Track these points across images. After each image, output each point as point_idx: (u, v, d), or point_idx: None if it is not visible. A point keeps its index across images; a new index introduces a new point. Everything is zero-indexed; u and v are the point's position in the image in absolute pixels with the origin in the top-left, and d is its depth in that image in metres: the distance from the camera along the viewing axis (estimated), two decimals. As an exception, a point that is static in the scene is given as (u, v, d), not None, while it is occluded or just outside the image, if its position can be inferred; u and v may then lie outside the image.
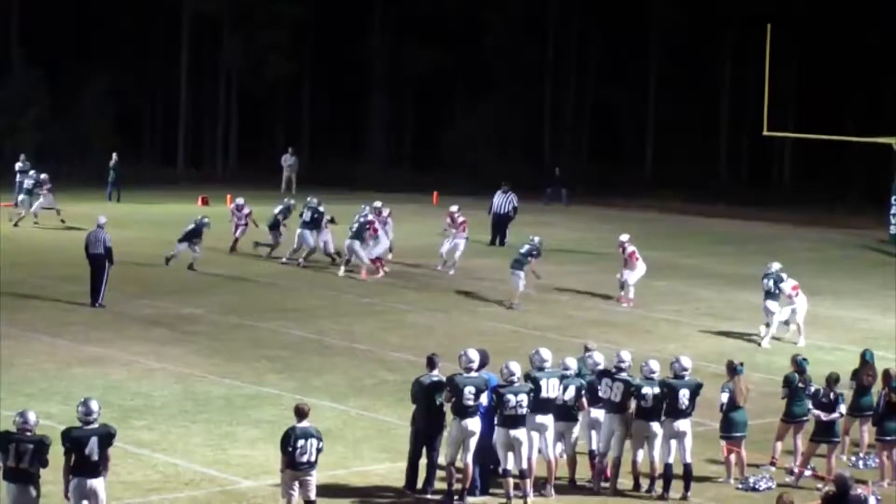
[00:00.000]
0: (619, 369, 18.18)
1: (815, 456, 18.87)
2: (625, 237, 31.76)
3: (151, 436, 19.64)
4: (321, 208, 34.94)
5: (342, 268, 33.75)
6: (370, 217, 33.74)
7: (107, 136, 58.20)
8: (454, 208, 35.04)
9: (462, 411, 17.38)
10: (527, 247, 30.94)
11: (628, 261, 31.41)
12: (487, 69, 64.53)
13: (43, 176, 40.82)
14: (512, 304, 30.42)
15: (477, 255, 36.56)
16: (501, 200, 38.88)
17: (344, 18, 64.09)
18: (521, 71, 65.05)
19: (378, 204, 35.12)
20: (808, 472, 18.86)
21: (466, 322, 28.90)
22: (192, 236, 33.65)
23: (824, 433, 18.77)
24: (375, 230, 33.56)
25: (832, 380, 18.87)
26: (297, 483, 15.91)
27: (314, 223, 34.73)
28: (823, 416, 18.71)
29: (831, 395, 18.78)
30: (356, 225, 33.40)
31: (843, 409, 18.95)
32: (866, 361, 20.26)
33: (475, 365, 17.60)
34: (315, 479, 16.05)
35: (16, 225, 39.90)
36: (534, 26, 64.54)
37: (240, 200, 36.79)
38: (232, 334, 26.84)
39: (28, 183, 41.01)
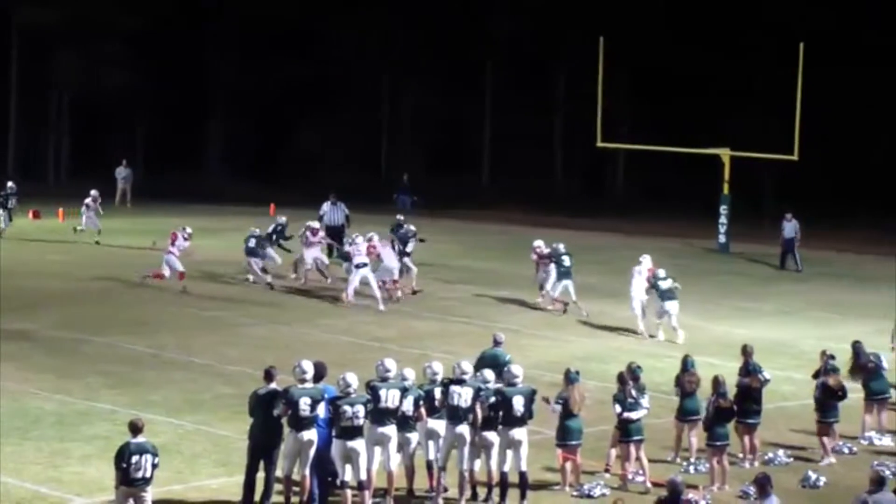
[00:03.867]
0: (461, 381, 18.25)
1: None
2: (538, 242, 32.48)
3: (-21, 454, 19.26)
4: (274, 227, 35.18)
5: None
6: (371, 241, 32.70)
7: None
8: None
9: (298, 423, 17.34)
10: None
11: (539, 265, 32.17)
12: (327, 82, 64.47)
13: None
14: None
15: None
16: (332, 211, 38.74)
17: (182, 30, 63.47)
18: (360, 83, 65.12)
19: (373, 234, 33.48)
20: (640, 478, 19.17)
21: (306, 334, 28.83)
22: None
23: (633, 432, 19.14)
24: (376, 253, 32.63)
25: (626, 380, 19.25)
26: (131, 500, 15.75)
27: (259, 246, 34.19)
28: (632, 416, 19.07)
29: (633, 394, 19.15)
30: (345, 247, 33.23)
31: (645, 403, 19.29)
32: (687, 368, 20.70)
33: (309, 376, 17.59)
34: (150, 495, 15.91)
35: None
36: (373, 39, 64.65)
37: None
38: (66, 349, 26.42)
39: None
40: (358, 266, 31.90)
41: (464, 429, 18.08)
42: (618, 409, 19.23)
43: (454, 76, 64.79)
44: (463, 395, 18.07)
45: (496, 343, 21.69)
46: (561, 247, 32.50)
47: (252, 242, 34.02)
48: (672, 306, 29.51)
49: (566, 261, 32.03)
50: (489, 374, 18.81)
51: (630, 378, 19.56)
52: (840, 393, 20.88)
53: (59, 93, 63.30)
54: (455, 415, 18.06)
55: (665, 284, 29.77)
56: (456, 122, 66.34)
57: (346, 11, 63.84)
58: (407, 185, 53.88)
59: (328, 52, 63.93)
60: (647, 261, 30.80)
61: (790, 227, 41.31)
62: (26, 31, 61.09)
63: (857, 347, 22.48)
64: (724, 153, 45.61)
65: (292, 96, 64.78)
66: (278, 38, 63.33)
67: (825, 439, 20.85)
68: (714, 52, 56.67)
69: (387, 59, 65.51)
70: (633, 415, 19.16)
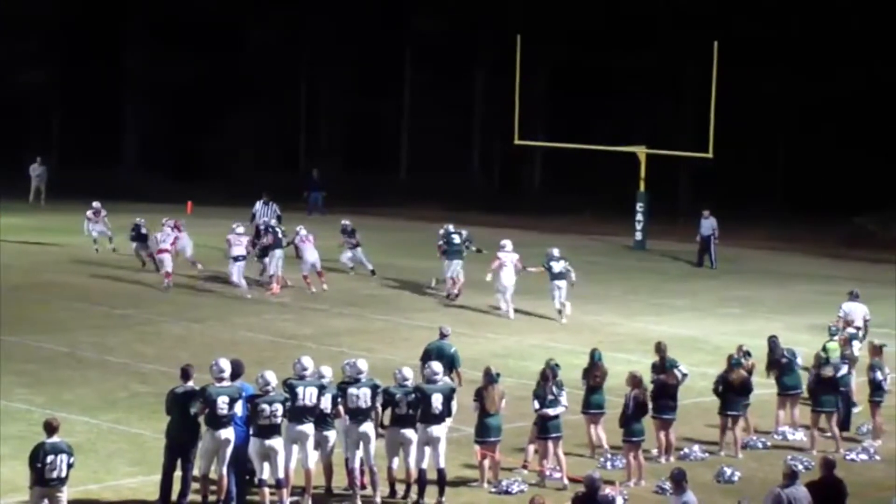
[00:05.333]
0: (357, 380, 18.21)
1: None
2: (505, 242, 32.73)
3: None
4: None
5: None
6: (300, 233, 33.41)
7: None
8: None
9: (215, 421, 17.28)
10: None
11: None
12: (245, 77, 64.14)
13: None
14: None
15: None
16: (264, 211, 38.64)
17: (98, 24, 62.85)
18: (278, 79, 64.84)
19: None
20: (557, 475, 19.28)
21: (222, 332, 28.70)
22: None
23: (551, 429, 19.25)
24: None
25: (548, 376, 19.37)
26: (46, 500, 15.64)
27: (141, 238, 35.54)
28: (550, 412, 19.19)
29: (554, 391, 19.27)
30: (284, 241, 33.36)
31: (564, 401, 19.42)
32: (595, 361, 20.88)
33: (226, 374, 17.54)
34: (66, 494, 15.81)
35: None
36: (290, 34, 64.39)
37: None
38: (-23, 349, 26.10)
39: None
40: (236, 258, 32.48)
41: (367, 427, 18.11)
42: (536, 405, 19.32)
43: (372, 72, 64.65)
44: (361, 396, 18.06)
45: (442, 336, 21.77)
46: (450, 227, 33.62)
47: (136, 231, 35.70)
48: (561, 285, 30.89)
49: (455, 239, 32.98)
50: (437, 366, 18.77)
51: (549, 375, 19.65)
52: (741, 388, 21.14)
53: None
54: (356, 415, 18.06)
55: (557, 266, 31.02)
56: (374, 118, 66.23)
57: (263, 6, 63.51)
58: (316, 180, 53.65)
59: (246, 48, 63.55)
60: (509, 245, 31.85)
61: (707, 225, 41.65)
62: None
63: (772, 342, 22.75)
64: (640, 151, 45.92)
65: (210, 92, 64.30)
66: (195, 33, 62.86)
67: (725, 432, 21.09)
68: (631, 50, 57.00)
69: (304, 55, 65.25)
70: (552, 411, 19.26)
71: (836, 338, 23.42)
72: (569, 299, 31.29)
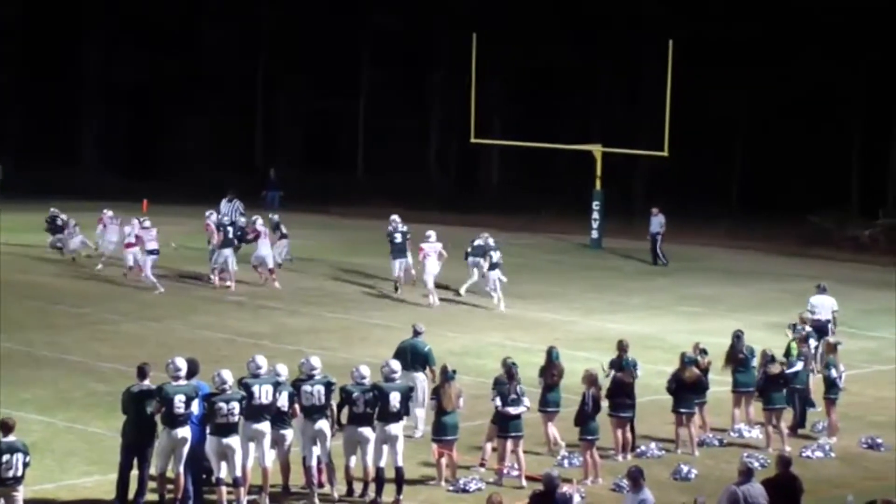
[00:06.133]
0: (311, 377, 18.22)
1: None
2: (430, 233, 33.38)
3: None
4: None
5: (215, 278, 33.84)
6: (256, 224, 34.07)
7: None
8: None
9: (172, 420, 17.24)
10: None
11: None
12: (202, 77, 63.96)
13: None
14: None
15: (195, 263, 36.14)
16: (228, 209, 38.63)
17: (55, 22, 62.50)
18: (234, 79, 64.67)
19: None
20: (515, 473, 19.32)
21: (179, 331, 28.62)
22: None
23: (511, 428, 19.29)
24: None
25: (514, 375, 19.43)
26: (2, 499, 15.54)
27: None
28: (511, 411, 19.24)
29: (517, 389, 19.32)
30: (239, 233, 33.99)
31: (526, 401, 19.49)
32: (552, 360, 20.94)
33: (183, 373, 17.51)
34: (22, 494, 15.73)
35: None
36: (247, 34, 64.26)
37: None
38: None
39: None
40: (150, 252, 33.10)
41: (322, 424, 18.12)
42: (498, 403, 19.32)
43: (329, 71, 64.56)
44: (315, 393, 18.07)
45: (416, 333, 21.75)
46: (396, 222, 34.24)
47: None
48: (496, 275, 32.37)
49: (397, 238, 33.69)
50: (395, 364, 18.76)
51: (514, 374, 19.66)
52: (694, 386, 21.26)
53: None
54: (310, 412, 18.06)
55: (496, 256, 32.62)
56: (331, 117, 66.16)
57: (219, 5, 63.33)
58: (274, 180, 53.63)
59: (202, 47, 63.36)
60: (433, 235, 33.00)
61: (656, 222, 41.85)
62: None
63: (736, 336, 22.86)
64: (596, 149, 46.05)
65: (166, 92, 64.12)
66: (151, 33, 62.64)
67: (680, 430, 21.23)
68: (586, 48, 57.19)
69: (261, 54, 65.09)
70: (513, 410, 19.28)
71: (791, 334, 23.58)
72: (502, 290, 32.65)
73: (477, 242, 33.33)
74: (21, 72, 61.68)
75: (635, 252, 43.39)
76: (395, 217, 34.48)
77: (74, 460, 19.29)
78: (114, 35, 63.67)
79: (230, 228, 33.80)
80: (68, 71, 63.69)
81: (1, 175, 52.11)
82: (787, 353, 22.86)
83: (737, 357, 22.58)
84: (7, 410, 19.75)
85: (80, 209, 40.76)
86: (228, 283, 33.42)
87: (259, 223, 34.06)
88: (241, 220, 35.50)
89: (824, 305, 27.30)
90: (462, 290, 33.33)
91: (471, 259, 33.29)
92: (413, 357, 21.07)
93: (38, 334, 27.64)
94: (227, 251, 33.42)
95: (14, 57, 61.15)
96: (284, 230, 36.13)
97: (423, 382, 20.99)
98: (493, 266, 32.64)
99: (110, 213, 36.67)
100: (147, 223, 33.84)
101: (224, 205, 38.54)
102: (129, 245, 34.07)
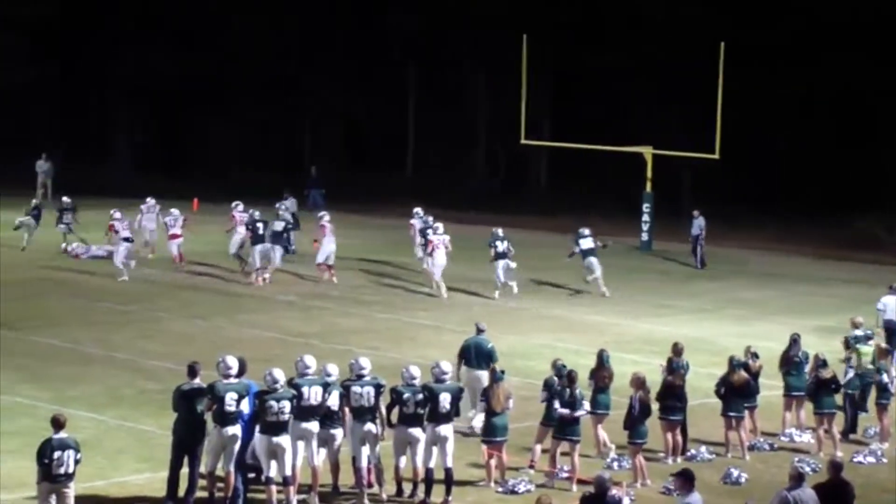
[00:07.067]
0: (360, 377, 18.21)
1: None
2: (438, 225, 34.33)
3: None
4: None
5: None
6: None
7: None
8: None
9: (223, 418, 17.26)
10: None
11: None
12: (241, 75, 64.16)
13: None
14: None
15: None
16: (284, 207, 38.96)
17: (90, 22, 62.87)
18: (277, 78, 64.77)
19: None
20: (564, 475, 19.24)
21: (227, 329, 28.69)
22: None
23: (568, 431, 19.21)
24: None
25: (571, 379, 19.37)
26: (53, 495, 15.62)
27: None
28: (573, 414, 19.18)
29: (576, 393, 19.24)
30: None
31: (587, 405, 19.42)
32: (603, 363, 20.86)
33: (234, 371, 17.54)
34: (73, 490, 15.79)
35: None
36: (295, 33, 64.39)
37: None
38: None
39: None
40: (125, 240, 34.28)
41: (371, 426, 18.10)
42: (556, 405, 19.24)
43: (375, 71, 64.59)
44: (364, 395, 18.05)
45: (479, 331, 21.85)
46: (420, 212, 36.19)
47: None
48: (503, 264, 33.34)
49: (429, 234, 34.17)
50: (446, 365, 18.68)
51: (555, 374, 19.60)
52: (743, 390, 21.13)
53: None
54: (360, 413, 18.04)
55: (501, 246, 33.35)
56: (379, 117, 66.16)
57: (259, 7, 63.44)
58: (316, 178, 53.72)
59: (242, 42, 63.48)
60: (441, 227, 34.11)
61: (696, 224, 41.64)
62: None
63: (794, 339, 22.75)
64: (647, 151, 45.82)
65: (204, 89, 64.29)
66: (194, 30, 62.86)
67: (730, 433, 21.10)
68: (637, 49, 56.96)
69: (312, 53, 65.18)
70: (575, 413, 19.18)
71: (870, 342, 23.37)
72: (513, 279, 33.45)
73: (587, 240, 34.47)
74: (56, 71, 62.00)
75: (685, 255, 43.09)
76: (417, 209, 35.57)
77: (125, 457, 19.36)
78: (148, 33, 63.82)
79: (260, 226, 34.25)
80: (103, 70, 64.01)
81: (52, 173, 52.49)
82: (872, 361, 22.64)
83: (791, 360, 22.44)
84: (57, 407, 19.91)
85: (118, 207, 40.95)
86: (256, 280, 33.79)
87: (326, 219, 34.98)
88: (277, 225, 35.65)
89: (893, 306, 27.26)
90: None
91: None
92: (477, 354, 21.29)
93: (85, 332, 27.77)
94: (259, 247, 33.83)
95: (51, 56, 61.43)
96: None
97: (486, 380, 21.03)
98: (500, 255, 33.33)
99: (152, 201, 38.07)
100: (241, 207, 35.84)
101: (285, 204, 39.23)
102: (174, 236, 35.42)
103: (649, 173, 45.30)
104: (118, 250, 34.10)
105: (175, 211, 36.38)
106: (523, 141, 46.97)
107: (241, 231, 34.94)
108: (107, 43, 63.61)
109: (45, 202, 45.18)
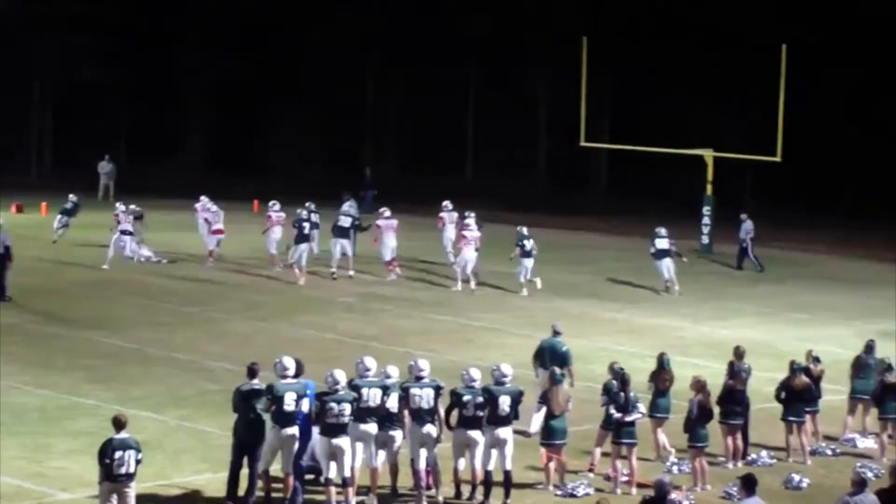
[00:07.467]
0: (419, 379, 18.19)
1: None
2: (469, 221, 34.86)
3: (-39, 449, 19.19)
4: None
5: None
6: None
7: None
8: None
9: (282, 418, 17.32)
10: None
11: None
12: (303, 76, 64.42)
13: None
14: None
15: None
16: (348, 206, 39.32)
17: (158, 20, 63.35)
18: (337, 79, 64.99)
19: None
20: (624, 479, 19.17)
21: (286, 330, 28.78)
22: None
23: (623, 434, 19.14)
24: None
25: (626, 382, 19.28)
26: (115, 495, 15.70)
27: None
28: (626, 418, 19.10)
29: (630, 397, 19.17)
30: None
31: (641, 408, 19.34)
32: (663, 366, 20.75)
33: (291, 372, 17.61)
34: (134, 490, 15.88)
35: None
36: (352, 34, 64.58)
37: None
38: (47, 344, 26.36)
39: None
40: (122, 232, 35.58)
41: (429, 428, 18.07)
42: (612, 409, 19.17)
43: (435, 73, 64.64)
44: (424, 397, 18.03)
45: (555, 333, 21.93)
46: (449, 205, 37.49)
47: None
48: (529, 264, 33.90)
49: (527, 245, 34.27)
50: (507, 368, 18.60)
51: (614, 378, 19.54)
52: (803, 394, 20.96)
53: (41, 86, 63.07)
54: (419, 415, 18.03)
55: (528, 245, 33.97)
56: (439, 118, 66.17)
57: (323, 3, 63.65)
58: (369, 180, 53.90)
59: (307, 47, 63.79)
60: (473, 223, 34.65)
61: (743, 228, 41.34)
62: (5, 23, 60.76)
63: (869, 345, 22.60)
64: (708, 154, 45.52)
65: (269, 90, 64.63)
66: (254, 31, 63.21)
67: (790, 438, 20.94)
68: (697, 51, 56.69)
69: (367, 56, 65.34)
70: (627, 417, 19.14)
71: None
72: (537, 276, 34.03)
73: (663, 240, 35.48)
74: (125, 69, 62.51)
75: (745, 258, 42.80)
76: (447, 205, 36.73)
77: (186, 458, 19.46)
78: (215, 33, 64.20)
79: (306, 225, 34.57)
80: (170, 69, 64.49)
81: (114, 174, 52.89)
82: None
83: (863, 365, 22.25)
84: (119, 407, 20.04)
85: (182, 208, 41.26)
86: (296, 279, 34.11)
87: (387, 214, 35.84)
88: (344, 220, 35.85)
89: None
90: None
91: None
92: (552, 356, 21.41)
93: (147, 332, 27.95)
94: (303, 247, 34.35)
95: (119, 56, 61.94)
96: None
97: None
98: (526, 254, 33.94)
99: (205, 199, 38.33)
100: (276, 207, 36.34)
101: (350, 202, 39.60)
102: (217, 231, 36.37)
103: (710, 176, 45.00)
104: (113, 238, 35.38)
105: (214, 206, 37.13)
106: (583, 143, 46.83)
107: (278, 231, 35.81)
108: (174, 41, 64.10)
109: (107, 203, 45.59)
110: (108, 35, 60.91)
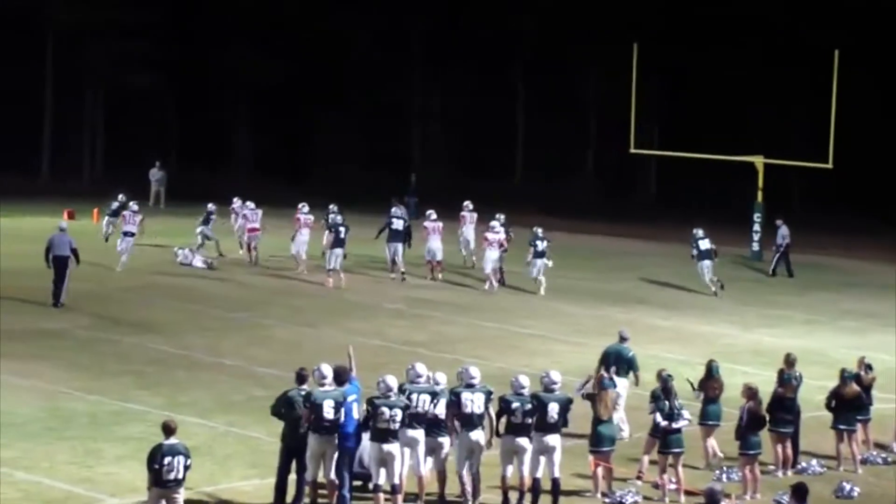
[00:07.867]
0: (470, 386, 18.15)
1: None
2: (494, 223, 35.50)
3: (11, 453, 19.28)
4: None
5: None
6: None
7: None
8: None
9: (321, 426, 17.30)
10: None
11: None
12: (351, 80, 64.55)
13: None
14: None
15: (351, 267, 36.38)
16: (397, 212, 39.33)
17: (204, 24, 63.69)
18: (386, 83, 65.10)
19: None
20: (672, 486, 19.05)
21: (334, 337, 28.75)
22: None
23: (671, 443, 19.02)
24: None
25: (670, 390, 19.17)
26: (164, 501, 15.75)
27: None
28: (672, 425, 18.98)
29: (675, 404, 19.07)
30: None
31: (686, 415, 19.21)
32: (712, 374, 20.62)
33: (328, 380, 17.61)
34: (183, 496, 15.91)
35: None
36: (398, 38, 64.70)
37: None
38: (97, 350, 26.48)
39: None
40: (125, 233, 35.99)
41: (478, 435, 18.02)
42: (658, 417, 19.07)
43: (484, 79, 64.65)
44: (475, 402, 17.99)
45: (622, 339, 21.89)
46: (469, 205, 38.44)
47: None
48: (542, 262, 34.53)
49: (539, 245, 34.88)
50: (556, 375, 18.54)
51: (672, 388, 19.40)
52: (854, 403, 20.78)
53: (93, 91, 63.51)
54: (469, 421, 17.98)
55: (541, 245, 34.75)
56: (488, 123, 66.13)
57: (371, 5, 63.76)
58: (415, 186, 54.04)
59: (354, 51, 63.93)
60: (497, 225, 35.44)
61: (780, 234, 41.09)
62: (59, 31, 61.26)
63: None
64: (758, 161, 45.23)
65: (318, 95, 64.80)
66: (302, 35, 63.39)
67: (840, 446, 20.77)
68: (747, 58, 56.44)
69: (414, 61, 65.44)
70: (674, 424, 19.03)
71: None
72: (545, 275, 34.70)
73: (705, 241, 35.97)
74: (174, 76, 62.85)
75: (795, 265, 42.54)
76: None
77: (234, 464, 19.49)
78: (262, 36, 64.41)
79: (342, 229, 34.71)
80: (218, 73, 64.79)
81: (165, 181, 53.10)
82: None
83: None
84: (168, 413, 20.09)
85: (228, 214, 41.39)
86: (338, 284, 34.34)
87: (433, 217, 36.40)
88: (397, 223, 36.04)
89: None
90: None
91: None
92: (617, 362, 21.30)
93: (195, 338, 28.04)
94: (339, 251, 34.47)
95: (168, 62, 62.31)
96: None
97: (625, 388, 20.99)
98: (539, 254, 34.56)
99: (241, 201, 39.11)
100: (305, 208, 36.32)
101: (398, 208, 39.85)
102: (254, 230, 37.12)
103: (760, 183, 44.73)
104: (120, 241, 36.05)
105: (251, 203, 37.92)
106: (633, 150, 46.67)
107: (305, 233, 35.97)
108: (221, 45, 64.40)
109: (158, 209, 45.82)
110: (157, 42, 61.24)
